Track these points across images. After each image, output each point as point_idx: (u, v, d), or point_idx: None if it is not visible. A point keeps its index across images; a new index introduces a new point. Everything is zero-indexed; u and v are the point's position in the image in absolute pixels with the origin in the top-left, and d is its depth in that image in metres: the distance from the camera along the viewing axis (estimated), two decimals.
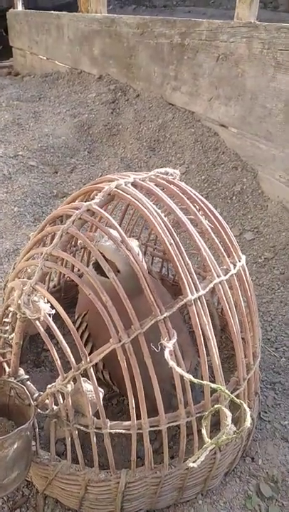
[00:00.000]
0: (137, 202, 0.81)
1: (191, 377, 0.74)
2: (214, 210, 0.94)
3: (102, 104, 2.75)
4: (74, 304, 1.39)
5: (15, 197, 2.04)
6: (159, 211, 0.81)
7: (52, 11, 4.08)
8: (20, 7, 4.97)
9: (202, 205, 0.91)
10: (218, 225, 0.91)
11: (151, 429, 0.84)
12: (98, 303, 0.77)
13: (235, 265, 0.90)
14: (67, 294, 1.38)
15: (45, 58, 4.36)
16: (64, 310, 0.78)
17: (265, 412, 1.22)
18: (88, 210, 0.81)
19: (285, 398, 1.27)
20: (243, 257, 0.95)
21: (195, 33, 2.21)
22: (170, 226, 0.81)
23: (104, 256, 0.85)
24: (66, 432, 0.86)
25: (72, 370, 0.80)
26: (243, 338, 0.92)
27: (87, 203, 0.81)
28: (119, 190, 0.83)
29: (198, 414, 0.85)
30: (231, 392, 0.89)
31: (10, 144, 2.48)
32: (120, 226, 0.97)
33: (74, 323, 0.84)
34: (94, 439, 0.84)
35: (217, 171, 2.01)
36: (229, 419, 0.70)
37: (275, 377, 1.33)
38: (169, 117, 2.37)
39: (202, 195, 1.97)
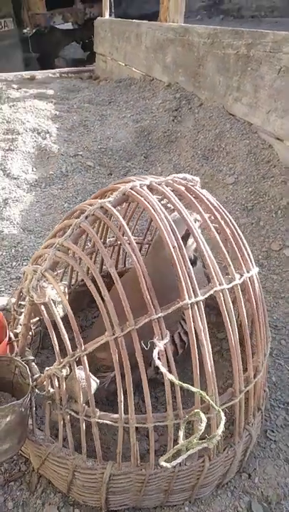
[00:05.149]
0: (146, 203, 0.84)
1: (178, 382, 0.75)
2: (231, 219, 0.94)
3: (166, 111, 2.80)
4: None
5: (67, 194, 2.14)
6: (167, 214, 0.84)
7: (133, 20, 4.21)
8: (107, 15, 5.19)
9: (216, 213, 0.92)
10: (230, 235, 0.92)
11: (138, 425, 0.86)
12: (97, 296, 0.81)
13: (242, 275, 0.90)
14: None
15: (123, 64, 4.50)
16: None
17: (273, 431, 1.19)
18: (102, 207, 0.85)
19: None
20: (255, 269, 0.94)
21: (260, 45, 2.19)
22: (176, 230, 0.83)
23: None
24: (58, 416, 0.90)
25: (68, 356, 0.84)
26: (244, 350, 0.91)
27: (102, 200, 0.85)
28: (132, 191, 0.86)
29: (187, 418, 0.86)
30: (225, 403, 0.90)
31: (73, 143, 2.60)
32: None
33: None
34: (83, 426, 0.88)
35: (266, 183, 1.98)
36: (203, 424, 0.70)
37: None
38: (227, 127, 2.37)
39: (247, 207, 1.96)
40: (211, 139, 2.37)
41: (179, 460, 0.76)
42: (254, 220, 1.93)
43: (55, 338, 0.85)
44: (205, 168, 2.22)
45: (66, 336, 0.83)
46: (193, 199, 0.89)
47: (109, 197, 0.90)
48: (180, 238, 0.82)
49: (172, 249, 0.81)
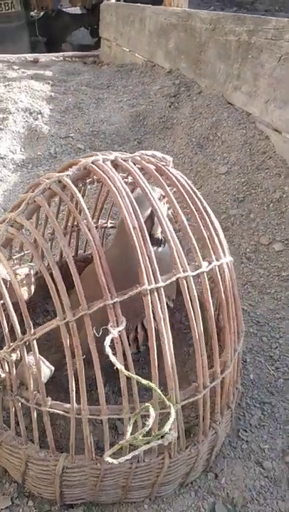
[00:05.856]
0: (107, 179, 0.78)
1: (127, 372, 0.70)
2: (204, 204, 0.88)
3: (163, 97, 2.72)
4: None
5: None
6: (129, 191, 0.77)
7: (138, 4, 4.10)
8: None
9: (186, 196, 0.85)
10: (200, 220, 0.85)
11: (91, 416, 0.80)
12: (48, 278, 0.75)
13: (210, 263, 0.83)
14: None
15: (127, 50, 4.40)
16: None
17: (245, 431, 1.14)
18: (59, 181, 0.79)
19: (271, 421, 1.17)
20: (226, 259, 0.88)
21: (262, 31, 2.11)
22: (138, 209, 0.76)
23: None
24: (10, 402, 0.85)
25: (17, 340, 0.78)
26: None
27: (59, 173, 0.79)
28: (94, 166, 0.80)
29: (138, 412, 0.80)
30: (187, 398, 0.84)
31: (65, 125, 2.53)
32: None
33: None
34: (34, 415, 0.83)
35: (259, 175, 1.91)
36: (151, 420, 0.65)
37: (267, 397, 1.23)
38: (224, 116, 2.29)
39: (238, 198, 1.89)
40: (207, 127, 2.29)
41: (127, 457, 0.71)
42: (244, 211, 1.86)
43: (4, 322, 0.79)
44: (198, 156, 2.15)
45: (15, 319, 0.77)
46: (162, 181, 0.83)
47: None
48: (141, 218, 0.76)
49: (132, 230, 0.75)
